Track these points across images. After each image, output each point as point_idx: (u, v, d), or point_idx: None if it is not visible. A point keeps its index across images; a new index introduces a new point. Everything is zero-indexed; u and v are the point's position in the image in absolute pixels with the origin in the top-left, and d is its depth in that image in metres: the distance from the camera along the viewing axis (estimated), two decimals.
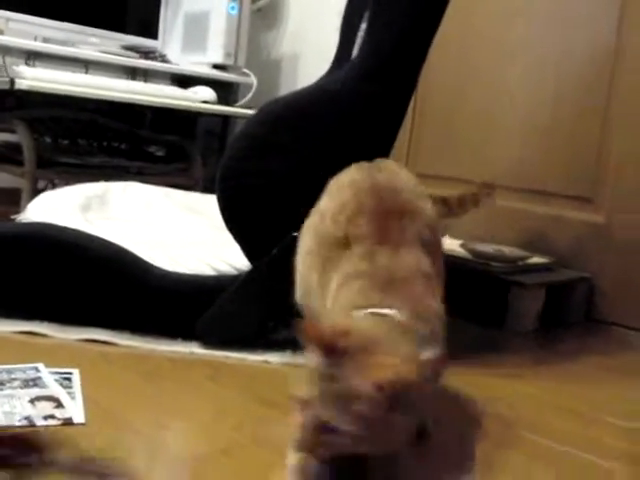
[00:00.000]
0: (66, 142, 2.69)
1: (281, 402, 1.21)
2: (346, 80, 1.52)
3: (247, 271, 1.48)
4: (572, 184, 2.15)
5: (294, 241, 1.37)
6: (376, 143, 1.50)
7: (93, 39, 2.80)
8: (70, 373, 1.20)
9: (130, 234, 1.70)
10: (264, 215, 1.47)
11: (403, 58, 1.48)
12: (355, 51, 1.64)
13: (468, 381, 1.41)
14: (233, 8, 2.89)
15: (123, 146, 2.85)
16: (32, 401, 1.08)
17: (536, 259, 2.04)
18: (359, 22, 1.63)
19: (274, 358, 1.40)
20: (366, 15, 1.56)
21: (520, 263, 1.98)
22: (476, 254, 1.97)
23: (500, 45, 2.34)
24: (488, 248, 2.00)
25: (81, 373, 1.20)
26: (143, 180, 2.30)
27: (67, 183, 2.24)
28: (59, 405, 1.08)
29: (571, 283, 2.04)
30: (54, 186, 2.63)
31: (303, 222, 1.31)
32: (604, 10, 2.10)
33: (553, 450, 1.15)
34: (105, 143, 2.79)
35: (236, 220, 1.50)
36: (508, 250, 2.03)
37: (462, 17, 2.32)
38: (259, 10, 3.22)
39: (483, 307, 1.89)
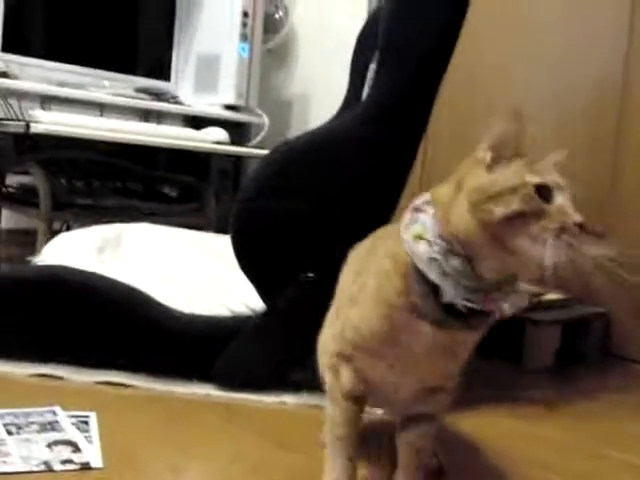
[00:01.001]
0: (81, 184, 2.71)
1: (298, 444, 1.21)
2: (355, 123, 1.52)
3: (262, 312, 1.48)
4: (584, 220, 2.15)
5: (309, 283, 1.37)
6: (386, 185, 1.50)
7: (106, 82, 2.83)
8: (87, 416, 1.19)
9: (144, 274, 1.70)
10: (276, 256, 1.47)
11: (413, 100, 1.49)
12: (365, 92, 1.65)
13: (485, 421, 1.40)
14: (244, 49, 2.92)
15: (137, 187, 2.86)
16: (49, 445, 1.08)
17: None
18: (368, 62, 1.64)
19: (291, 399, 1.39)
20: (375, 56, 1.57)
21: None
22: None
23: (509, 80, 2.35)
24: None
25: (98, 416, 1.20)
26: (157, 221, 2.31)
27: (82, 224, 2.25)
28: (76, 449, 1.08)
29: (587, 319, 2.03)
30: (69, 227, 2.65)
31: (315, 263, 1.31)
32: (611, 44, 2.12)
33: None
34: (119, 184, 2.81)
35: (249, 260, 1.50)
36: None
37: (471, 53, 2.34)
38: (269, 51, 3.26)
39: (499, 345, 1.87)
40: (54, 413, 1.19)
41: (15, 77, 2.57)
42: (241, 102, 2.96)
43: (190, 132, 2.76)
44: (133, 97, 2.82)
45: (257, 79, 3.00)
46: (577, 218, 0.83)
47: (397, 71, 1.47)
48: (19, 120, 2.48)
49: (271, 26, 3.22)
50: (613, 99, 2.11)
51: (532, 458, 1.25)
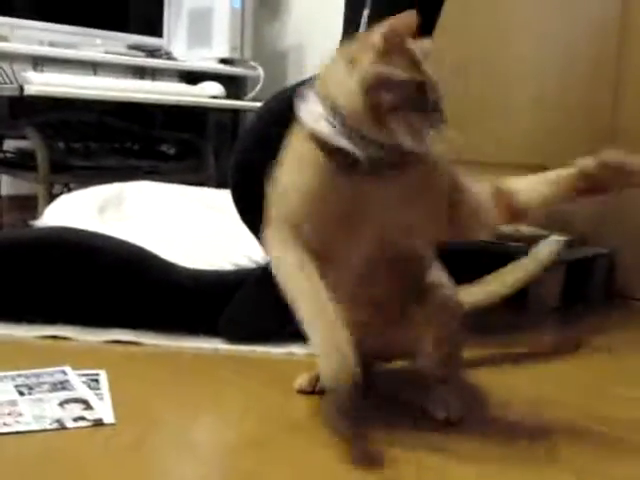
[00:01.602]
0: (78, 145, 2.70)
1: (306, 392, 1.22)
2: None
3: (265, 263, 1.48)
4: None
5: None
6: None
7: (98, 41, 2.80)
8: (97, 374, 1.20)
9: (147, 233, 1.70)
10: None
11: None
12: None
13: (491, 362, 1.41)
14: (236, 1, 2.88)
15: (135, 146, 2.85)
16: (61, 404, 1.09)
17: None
18: (362, 8, 1.62)
19: (298, 349, 1.40)
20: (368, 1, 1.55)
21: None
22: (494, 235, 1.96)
23: (505, 21, 2.32)
24: (506, 228, 1.99)
25: (108, 374, 1.21)
26: (156, 179, 2.30)
27: (82, 186, 2.25)
28: (88, 407, 1.09)
29: (591, 259, 2.03)
30: (69, 190, 2.65)
31: None
32: None
33: (587, 430, 1.15)
34: (117, 144, 2.80)
35: (250, 212, 1.50)
36: (526, 229, 2.02)
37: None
38: (262, 3, 3.21)
39: None
40: (64, 373, 1.20)
41: (5, 39, 2.54)
42: (236, 55, 2.93)
43: (185, 87, 2.74)
44: (126, 54, 2.79)
45: (251, 31, 2.97)
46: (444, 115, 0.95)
47: (390, 13, 1.45)
48: (11, 83, 2.47)
49: None
50: (613, 26, 2.08)
51: (540, 397, 1.27)
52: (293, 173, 1.02)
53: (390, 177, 0.98)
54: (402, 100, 0.94)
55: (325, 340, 0.97)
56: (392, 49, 0.95)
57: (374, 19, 1.51)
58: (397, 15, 0.95)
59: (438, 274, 1.17)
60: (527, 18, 2.27)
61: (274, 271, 1.03)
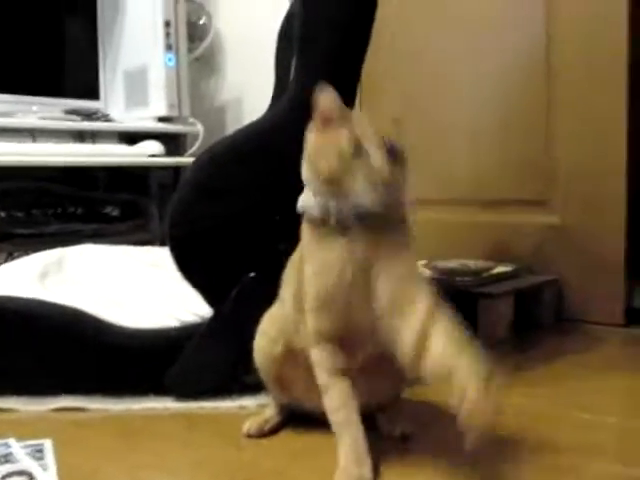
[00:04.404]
0: (20, 213, 2.67)
1: (261, 444, 1.20)
2: (278, 112, 1.52)
3: (209, 317, 1.46)
4: (524, 189, 2.18)
5: (252, 281, 1.37)
6: None
7: (34, 107, 2.78)
8: (41, 444, 1.17)
9: (88, 295, 1.67)
10: (216, 259, 1.46)
11: (334, 82, 1.49)
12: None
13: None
14: (170, 59, 2.89)
15: (78, 210, 2.83)
16: (3, 478, 1.05)
17: (501, 268, 2.05)
18: (291, 58, 1.64)
19: (249, 402, 1.38)
20: (295, 50, 1.57)
21: (485, 274, 1.99)
22: (441, 271, 1.98)
23: (438, 63, 2.37)
24: (452, 264, 2.01)
25: (55, 442, 1.18)
26: (101, 241, 2.28)
27: (26, 254, 2.21)
28: (31, 479, 1.05)
29: (538, 287, 2.05)
30: (14, 259, 2.60)
31: (257, 261, 1.32)
32: (530, 13, 2.15)
33: (540, 455, 1.15)
34: (60, 209, 2.77)
35: (189, 267, 1.48)
36: (472, 263, 2.04)
37: (394, 40, 2.36)
38: (197, 59, 3.24)
39: None
40: (7, 445, 1.16)
41: None
42: (173, 113, 2.93)
43: (124, 148, 2.73)
44: (64, 119, 2.78)
45: (187, 88, 2.98)
46: (380, 168, 1.01)
47: (315, 59, 1.47)
48: None
49: (196, 33, 3.21)
50: (539, 60, 2.14)
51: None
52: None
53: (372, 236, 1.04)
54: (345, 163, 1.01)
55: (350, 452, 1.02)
56: (326, 123, 1.04)
57: (301, 75, 1.54)
58: (319, 95, 1.04)
59: None
60: (460, 58, 2.32)
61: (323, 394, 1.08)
